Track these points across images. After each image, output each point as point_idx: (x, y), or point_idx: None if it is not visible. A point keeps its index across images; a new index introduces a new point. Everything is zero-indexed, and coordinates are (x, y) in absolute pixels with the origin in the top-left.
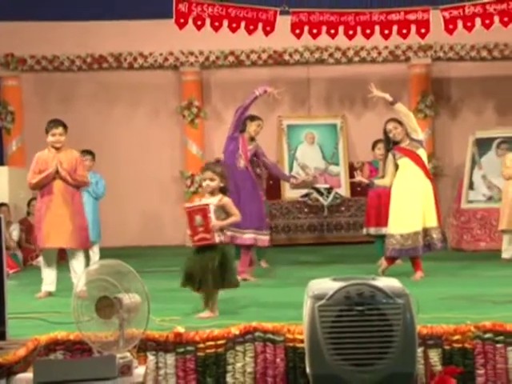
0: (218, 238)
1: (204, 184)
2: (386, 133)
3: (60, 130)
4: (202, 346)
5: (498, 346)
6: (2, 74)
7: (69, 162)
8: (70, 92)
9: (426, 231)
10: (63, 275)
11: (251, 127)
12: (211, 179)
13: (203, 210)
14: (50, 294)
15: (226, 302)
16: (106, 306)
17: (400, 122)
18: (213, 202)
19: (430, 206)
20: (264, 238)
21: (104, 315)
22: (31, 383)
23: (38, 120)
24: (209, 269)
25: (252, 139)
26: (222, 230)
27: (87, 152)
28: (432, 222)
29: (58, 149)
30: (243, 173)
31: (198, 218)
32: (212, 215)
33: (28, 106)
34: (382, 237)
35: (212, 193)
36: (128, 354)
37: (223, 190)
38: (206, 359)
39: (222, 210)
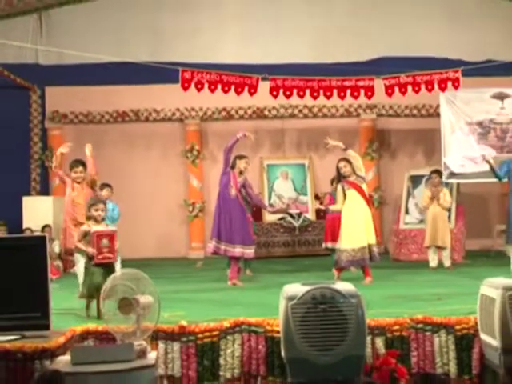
0: None
1: None
2: (338, 169)
3: (80, 168)
4: (200, 336)
5: (427, 334)
6: (50, 126)
7: (85, 192)
8: (100, 139)
9: (368, 247)
10: None
11: (241, 164)
12: None
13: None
14: None
15: (220, 302)
16: (126, 304)
17: (349, 161)
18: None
19: (370, 227)
20: (249, 252)
21: (125, 312)
22: (69, 363)
23: None
24: None
25: (241, 173)
26: None
27: (106, 185)
28: (372, 239)
29: (79, 183)
30: (234, 200)
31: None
32: None
33: (68, 150)
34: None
35: None
36: (143, 342)
37: None
38: (204, 346)
39: None
